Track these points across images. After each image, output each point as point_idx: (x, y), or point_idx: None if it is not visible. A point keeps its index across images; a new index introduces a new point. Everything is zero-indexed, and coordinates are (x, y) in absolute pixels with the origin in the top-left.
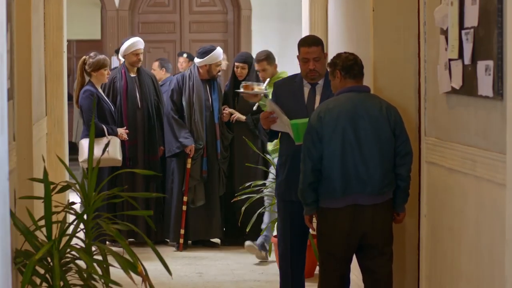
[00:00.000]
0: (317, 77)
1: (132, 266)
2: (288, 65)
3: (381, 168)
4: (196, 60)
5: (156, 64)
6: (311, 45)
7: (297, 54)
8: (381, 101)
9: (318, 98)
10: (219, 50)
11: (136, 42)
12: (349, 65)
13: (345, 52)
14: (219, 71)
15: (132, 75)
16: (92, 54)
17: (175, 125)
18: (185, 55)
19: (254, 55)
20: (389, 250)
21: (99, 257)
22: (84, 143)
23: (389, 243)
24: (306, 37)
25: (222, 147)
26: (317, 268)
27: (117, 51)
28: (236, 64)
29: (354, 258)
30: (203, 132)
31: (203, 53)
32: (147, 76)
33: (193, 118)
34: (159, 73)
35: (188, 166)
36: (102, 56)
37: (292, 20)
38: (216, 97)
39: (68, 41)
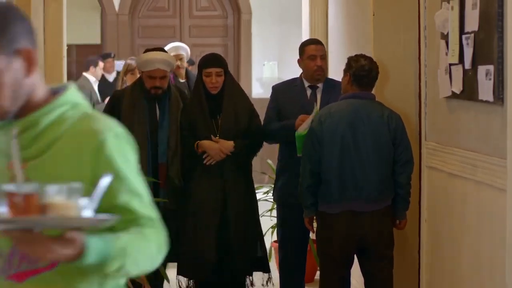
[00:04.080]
0: (321, 77)
1: None
2: (288, 68)
3: (378, 175)
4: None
5: None
6: (318, 43)
7: (299, 58)
8: (383, 108)
9: (319, 102)
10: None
11: (169, 49)
12: (361, 75)
13: (365, 59)
14: (157, 87)
15: (181, 80)
16: (129, 58)
17: None
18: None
19: (253, 59)
20: (389, 254)
21: None
22: None
23: (389, 247)
24: (311, 38)
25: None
26: (317, 273)
27: (104, 56)
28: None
29: (355, 262)
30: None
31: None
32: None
33: None
34: None
35: None
36: (129, 61)
37: (292, 24)
38: (167, 123)
39: (68, 45)
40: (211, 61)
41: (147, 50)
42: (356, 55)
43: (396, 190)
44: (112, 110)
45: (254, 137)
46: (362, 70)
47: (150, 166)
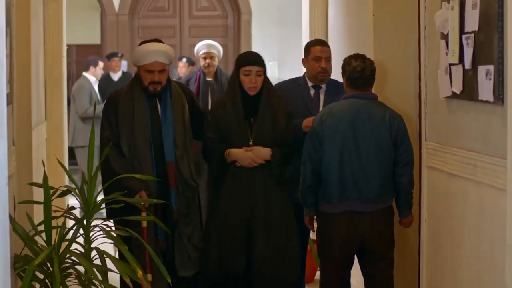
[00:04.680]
0: (325, 78)
1: (131, 271)
2: (288, 68)
3: (379, 176)
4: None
5: None
6: (324, 45)
7: (303, 57)
8: (385, 109)
9: (321, 102)
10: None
11: (200, 46)
12: (355, 77)
13: (356, 60)
14: (156, 82)
15: (208, 79)
16: None
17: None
18: (184, 59)
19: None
20: (389, 255)
21: (99, 262)
22: None
23: (390, 248)
24: (317, 39)
25: (179, 201)
26: (317, 273)
27: (110, 55)
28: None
29: (355, 263)
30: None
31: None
32: (226, 82)
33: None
34: None
35: (144, 225)
36: None
37: (292, 24)
38: (170, 119)
39: (68, 45)
40: (252, 59)
41: (142, 42)
42: (348, 57)
43: (397, 192)
44: (109, 112)
45: (292, 146)
46: (354, 73)
47: (154, 166)
